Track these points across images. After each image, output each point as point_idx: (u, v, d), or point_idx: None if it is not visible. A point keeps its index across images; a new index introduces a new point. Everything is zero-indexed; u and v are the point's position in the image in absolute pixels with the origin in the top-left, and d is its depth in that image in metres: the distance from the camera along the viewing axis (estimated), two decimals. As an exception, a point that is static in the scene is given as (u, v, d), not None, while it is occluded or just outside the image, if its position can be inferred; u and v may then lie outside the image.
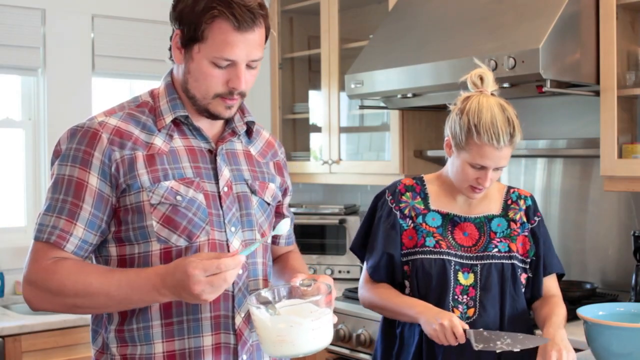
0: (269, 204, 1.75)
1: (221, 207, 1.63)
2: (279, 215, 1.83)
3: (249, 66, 1.58)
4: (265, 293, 1.56)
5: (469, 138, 1.96)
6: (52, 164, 1.60)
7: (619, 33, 2.67)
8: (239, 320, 1.63)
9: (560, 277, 2.20)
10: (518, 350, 1.85)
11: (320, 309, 1.51)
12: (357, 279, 3.73)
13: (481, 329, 1.90)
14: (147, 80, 4.05)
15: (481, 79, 2.03)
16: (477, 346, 1.84)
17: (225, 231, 1.62)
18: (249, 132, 1.75)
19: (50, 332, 3.08)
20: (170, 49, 1.63)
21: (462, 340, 1.86)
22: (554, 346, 1.87)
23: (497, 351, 1.87)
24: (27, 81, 3.72)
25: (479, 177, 1.99)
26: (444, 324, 1.86)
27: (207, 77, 1.56)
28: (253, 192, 1.70)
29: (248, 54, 1.56)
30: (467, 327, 1.88)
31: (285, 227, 1.63)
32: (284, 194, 1.83)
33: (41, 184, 3.71)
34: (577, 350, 2.36)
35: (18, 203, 3.75)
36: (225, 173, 1.65)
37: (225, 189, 1.64)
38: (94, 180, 1.55)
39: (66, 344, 3.12)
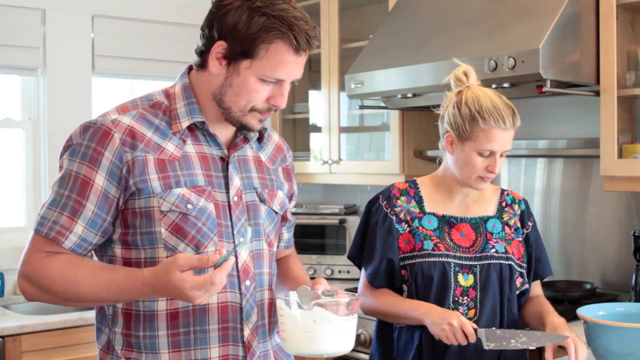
0: (276, 213, 1.74)
1: (230, 217, 1.62)
2: (283, 219, 1.82)
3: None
4: (294, 296, 1.54)
5: (474, 126, 1.96)
6: (61, 156, 1.59)
7: (619, 33, 2.67)
8: (247, 332, 1.62)
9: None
10: (533, 347, 1.84)
11: (349, 315, 1.51)
12: (357, 279, 3.73)
13: (493, 328, 1.88)
14: (147, 80, 4.05)
15: (465, 74, 2.05)
16: (489, 345, 1.82)
17: (234, 242, 1.62)
18: (259, 138, 1.75)
19: (50, 332, 3.08)
20: (201, 54, 1.61)
21: (473, 340, 1.84)
22: (568, 329, 1.89)
23: (510, 348, 1.85)
24: (27, 81, 3.72)
25: (488, 165, 1.98)
26: (453, 323, 1.85)
27: (251, 92, 1.56)
28: (262, 201, 1.70)
29: (295, 75, 1.59)
30: (475, 326, 1.87)
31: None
32: (290, 198, 1.83)
33: (41, 184, 3.71)
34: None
35: (18, 203, 3.75)
36: (235, 182, 1.64)
37: (235, 198, 1.63)
38: (100, 180, 1.53)
39: (66, 344, 3.11)
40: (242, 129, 1.65)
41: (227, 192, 1.63)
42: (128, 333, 1.60)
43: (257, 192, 1.69)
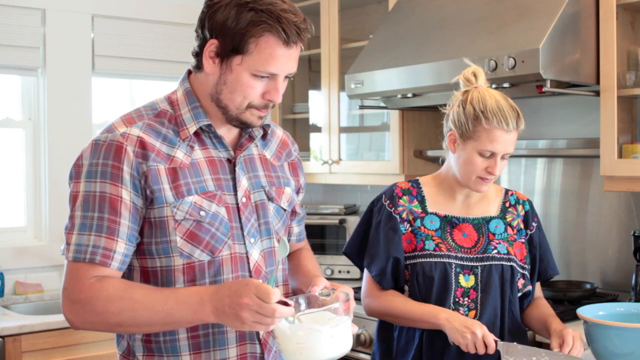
0: (285, 210, 1.75)
1: (240, 219, 1.63)
2: (292, 213, 1.84)
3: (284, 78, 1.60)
4: None
5: (477, 125, 1.96)
6: (72, 178, 1.58)
7: (619, 33, 2.67)
8: None
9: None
10: None
11: (338, 317, 1.52)
12: (357, 279, 3.73)
13: (515, 343, 1.87)
14: (147, 80, 4.05)
15: (475, 75, 2.05)
16: (508, 359, 1.80)
17: (245, 243, 1.63)
18: (263, 135, 1.75)
19: (50, 332, 3.08)
20: (196, 55, 1.61)
21: (492, 351, 1.84)
22: (572, 331, 1.89)
23: None
24: (27, 81, 3.73)
25: (488, 166, 1.98)
26: (476, 332, 1.85)
27: (245, 88, 1.56)
28: (270, 199, 1.71)
29: (289, 68, 1.58)
30: (496, 337, 1.86)
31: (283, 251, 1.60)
32: (297, 192, 1.84)
33: (41, 184, 3.71)
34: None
35: (18, 203, 3.75)
36: (243, 183, 1.65)
37: (244, 199, 1.65)
38: (127, 195, 1.54)
39: (66, 344, 3.12)
40: (243, 127, 1.65)
41: (235, 194, 1.64)
42: (148, 339, 1.61)
43: (265, 191, 1.70)
